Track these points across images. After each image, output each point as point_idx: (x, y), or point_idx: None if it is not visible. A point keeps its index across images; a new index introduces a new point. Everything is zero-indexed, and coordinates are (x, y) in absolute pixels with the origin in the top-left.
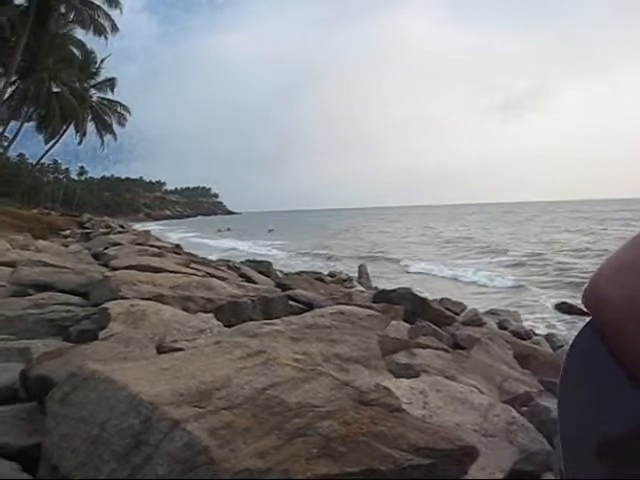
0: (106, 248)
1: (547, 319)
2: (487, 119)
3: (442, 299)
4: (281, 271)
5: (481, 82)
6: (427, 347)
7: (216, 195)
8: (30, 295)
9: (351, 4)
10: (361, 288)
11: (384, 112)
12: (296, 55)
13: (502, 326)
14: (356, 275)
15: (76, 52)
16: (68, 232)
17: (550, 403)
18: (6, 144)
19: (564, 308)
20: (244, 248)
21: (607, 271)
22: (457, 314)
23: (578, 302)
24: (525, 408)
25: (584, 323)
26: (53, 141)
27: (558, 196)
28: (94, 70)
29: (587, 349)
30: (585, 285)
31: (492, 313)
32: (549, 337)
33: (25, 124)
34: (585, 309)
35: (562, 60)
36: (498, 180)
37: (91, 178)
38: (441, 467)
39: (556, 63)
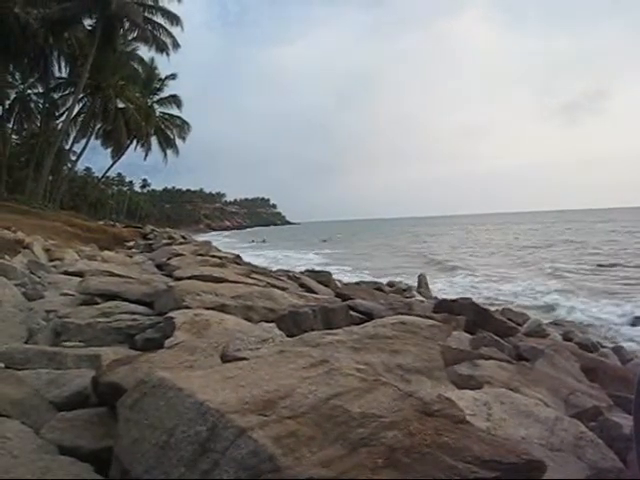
0: (169, 258)
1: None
2: (550, 123)
3: (504, 309)
4: (340, 281)
5: (542, 85)
6: (490, 358)
7: (274, 206)
8: (98, 304)
9: (407, 10)
10: (421, 298)
11: (441, 119)
12: (352, 64)
13: (567, 337)
14: (415, 285)
15: (140, 69)
16: (132, 243)
17: (621, 418)
18: (74, 159)
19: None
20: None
21: None
22: (520, 325)
23: None
24: (594, 423)
25: None
26: (118, 155)
27: (618, 202)
28: (157, 86)
29: None
30: None
31: (556, 324)
32: (617, 349)
33: (92, 139)
34: None
35: (625, 60)
36: (561, 186)
37: (153, 190)
38: None
39: (619, 64)
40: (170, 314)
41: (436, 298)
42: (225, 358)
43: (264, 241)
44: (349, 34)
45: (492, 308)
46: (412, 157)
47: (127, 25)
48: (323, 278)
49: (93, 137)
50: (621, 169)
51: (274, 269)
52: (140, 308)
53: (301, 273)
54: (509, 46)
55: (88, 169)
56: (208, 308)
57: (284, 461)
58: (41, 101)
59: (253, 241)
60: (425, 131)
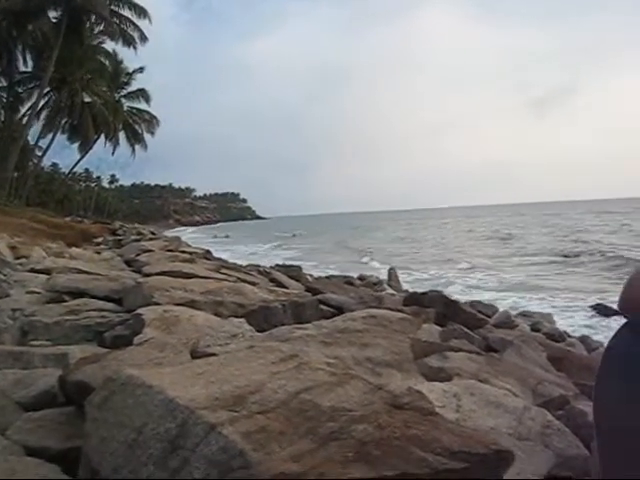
0: (138, 255)
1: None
2: (520, 118)
3: (473, 302)
4: (311, 275)
5: (511, 81)
6: (459, 350)
7: (245, 200)
8: (65, 301)
9: (376, 6)
10: (391, 291)
11: (412, 114)
12: (322, 59)
13: (535, 328)
14: (386, 278)
15: (107, 63)
16: (100, 239)
17: (586, 406)
18: (40, 154)
19: (600, 309)
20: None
21: None
22: (489, 316)
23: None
24: (561, 412)
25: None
26: (85, 150)
27: (580, 195)
28: (125, 80)
29: (624, 350)
30: (622, 288)
31: (525, 315)
32: (584, 339)
33: (58, 134)
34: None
35: (592, 59)
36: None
37: (121, 186)
38: (476, 471)
39: (586, 62)
40: (139, 311)
41: (406, 291)
42: (195, 354)
43: (227, 236)
44: (322, 28)
45: (462, 300)
46: (383, 152)
47: (93, 18)
48: (294, 272)
49: (59, 132)
50: (590, 163)
51: (244, 264)
52: (109, 305)
53: (271, 268)
54: (481, 41)
55: (55, 165)
56: (177, 304)
57: (254, 456)
58: (4, 95)
59: (216, 236)
60: (397, 126)
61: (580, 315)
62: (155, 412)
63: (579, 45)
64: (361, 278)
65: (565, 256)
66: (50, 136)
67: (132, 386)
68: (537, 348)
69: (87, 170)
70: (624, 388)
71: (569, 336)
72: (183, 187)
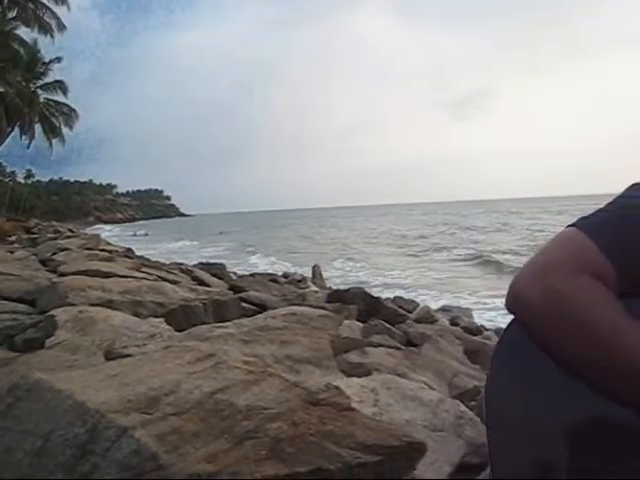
0: (54, 254)
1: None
2: (438, 119)
3: (395, 297)
4: (235, 273)
5: (430, 83)
6: (379, 345)
7: (169, 197)
8: None
9: (305, 5)
10: (315, 288)
11: (338, 111)
12: (250, 55)
13: (454, 322)
14: (310, 276)
15: (21, 51)
16: (14, 238)
17: None
18: None
19: None
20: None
21: (526, 271)
22: (410, 312)
23: None
24: (474, 402)
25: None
26: None
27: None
28: (41, 70)
29: (514, 344)
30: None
31: (445, 310)
32: (499, 331)
33: None
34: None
35: (507, 61)
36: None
37: (38, 181)
38: (389, 464)
39: (502, 64)
40: (52, 312)
41: (330, 288)
42: (109, 356)
43: (146, 234)
44: (249, 24)
45: (383, 296)
46: (310, 149)
47: (6, 2)
48: (217, 270)
49: None
50: (506, 163)
51: (168, 262)
52: (21, 307)
53: (194, 266)
54: (403, 43)
55: None
56: (94, 304)
57: (167, 459)
58: None
59: (135, 234)
60: (322, 124)
61: (499, 310)
62: (64, 417)
63: (496, 48)
64: (285, 276)
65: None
66: None
67: (40, 391)
68: (454, 342)
69: (0, 164)
70: (512, 385)
71: (486, 329)
72: (104, 183)
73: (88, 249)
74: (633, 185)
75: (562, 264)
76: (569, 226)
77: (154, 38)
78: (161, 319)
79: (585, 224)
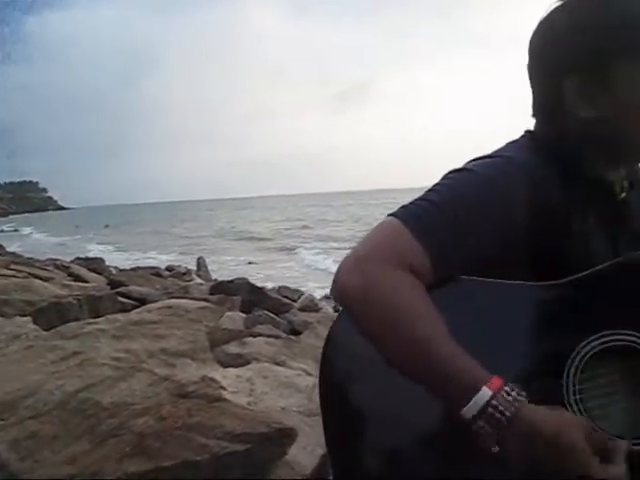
0: None
1: None
2: (325, 110)
3: (280, 287)
4: (116, 267)
5: (318, 75)
6: (259, 335)
7: (45, 190)
8: None
9: None
10: (200, 281)
11: (227, 103)
12: (133, 41)
13: (337, 309)
14: (195, 268)
15: None
16: None
17: None
18: None
19: None
20: None
21: (347, 262)
22: (295, 301)
23: None
24: None
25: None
26: None
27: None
28: None
29: (342, 335)
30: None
31: (328, 298)
32: None
33: None
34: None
35: (389, 53)
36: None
37: None
38: (259, 451)
39: (384, 57)
40: None
41: (215, 280)
42: None
43: (16, 230)
44: (131, 9)
45: (269, 286)
46: (198, 138)
47: None
48: (95, 265)
49: None
50: (385, 153)
51: (43, 258)
52: None
53: (71, 262)
54: (294, 35)
55: None
56: None
57: (21, 466)
58: None
59: (2, 231)
60: (212, 114)
61: None
62: None
63: (378, 41)
64: (169, 269)
65: None
66: None
67: None
68: None
69: None
70: (341, 374)
71: None
72: None
73: None
74: (449, 172)
75: (378, 254)
76: (389, 215)
77: (24, 17)
78: (28, 318)
79: (402, 213)
